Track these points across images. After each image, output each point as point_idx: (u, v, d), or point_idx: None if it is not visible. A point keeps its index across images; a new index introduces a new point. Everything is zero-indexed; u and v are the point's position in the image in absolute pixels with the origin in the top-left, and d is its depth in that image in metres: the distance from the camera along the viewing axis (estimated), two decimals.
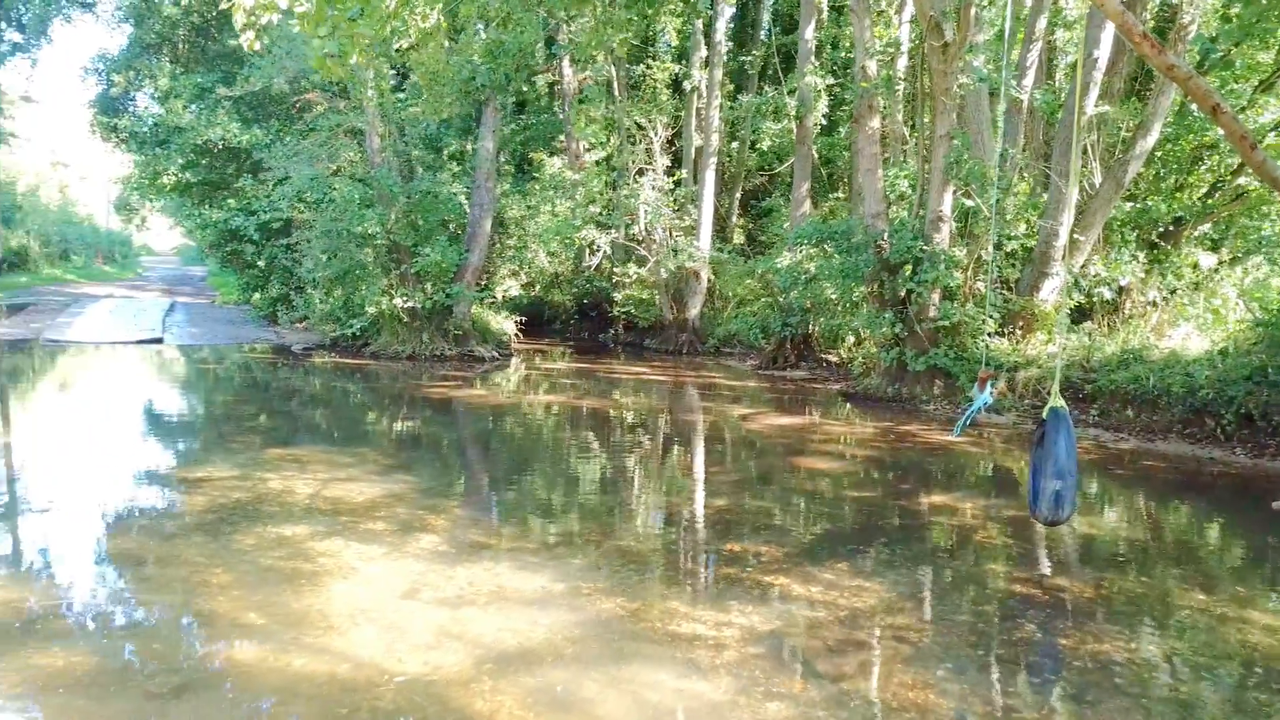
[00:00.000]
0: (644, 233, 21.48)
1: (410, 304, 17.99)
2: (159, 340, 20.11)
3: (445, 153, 21.93)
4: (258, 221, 22.10)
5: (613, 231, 21.70)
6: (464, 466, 9.86)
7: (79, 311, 24.53)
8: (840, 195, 23.54)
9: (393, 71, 20.34)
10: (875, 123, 15.06)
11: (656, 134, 22.62)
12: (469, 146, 21.44)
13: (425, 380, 15.65)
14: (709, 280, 22.09)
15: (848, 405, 14.04)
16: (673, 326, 22.09)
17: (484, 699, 4.12)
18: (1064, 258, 13.67)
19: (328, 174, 19.25)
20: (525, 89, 24.02)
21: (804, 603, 5.47)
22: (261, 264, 23.71)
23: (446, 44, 15.32)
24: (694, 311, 21.93)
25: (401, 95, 20.19)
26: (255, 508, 7.16)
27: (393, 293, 17.96)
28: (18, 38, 30.74)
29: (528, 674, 4.38)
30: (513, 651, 4.64)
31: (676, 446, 11.24)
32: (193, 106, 23.95)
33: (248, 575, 5.63)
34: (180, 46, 27.53)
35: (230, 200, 23.92)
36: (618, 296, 23.32)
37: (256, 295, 25.03)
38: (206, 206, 25.29)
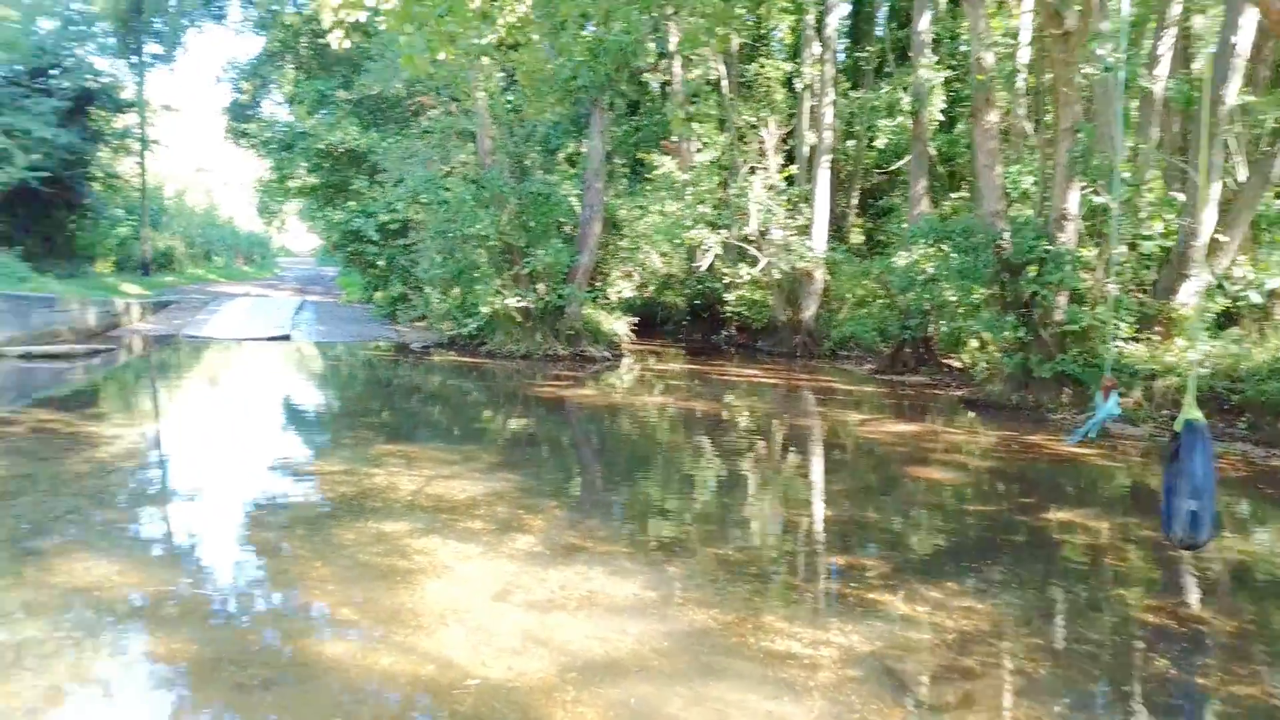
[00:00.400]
0: (756, 232, 21.14)
1: (523, 304, 18.17)
2: (287, 337, 20.97)
3: (560, 154, 22.09)
4: (376, 223, 22.77)
5: (723, 231, 21.43)
6: (568, 467, 9.83)
7: (216, 309, 25.84)
8: (964, 194, 22.65)
9: (502, 74, 20.62)
10: (993, 117, 14.41)
11: (769, 132, 22.25)
12: (583, 148, 21.56)
13: (537, 379, 15.78)
14: (824, 281, 21.54)
15: (969, 413, 13.43)
16: (786, 328, 21.64)
17: (564, 710, 3.99)
18: (1204, 258, 12.72)
19: (441, 175, 19.65)
20: (629, 89, 23.92)
21: (910, 623, 5.15)
22: (381, 264, 24.47)
23: (548, 43, 15.36)
24: (809, 313, 21.40)
25: (511, 98, 20.45)
26: (359, 503, 7.27)
27: (506, 293, 18.16)
28: (158, 49, 32.62)
29: (611, 685, 4.24)
30: (598, 660, 4.51)
31: (787, 452, 10.95)
32: (319, 112, 24.90)
33: (345, 570, 5.69)
34: (302, 53, 28.63)
35: (351, 202, 24.74)
36: (730, 297, 22.98)
37: (378, 294, 25.85)
38: (330, 208, 26.23)
